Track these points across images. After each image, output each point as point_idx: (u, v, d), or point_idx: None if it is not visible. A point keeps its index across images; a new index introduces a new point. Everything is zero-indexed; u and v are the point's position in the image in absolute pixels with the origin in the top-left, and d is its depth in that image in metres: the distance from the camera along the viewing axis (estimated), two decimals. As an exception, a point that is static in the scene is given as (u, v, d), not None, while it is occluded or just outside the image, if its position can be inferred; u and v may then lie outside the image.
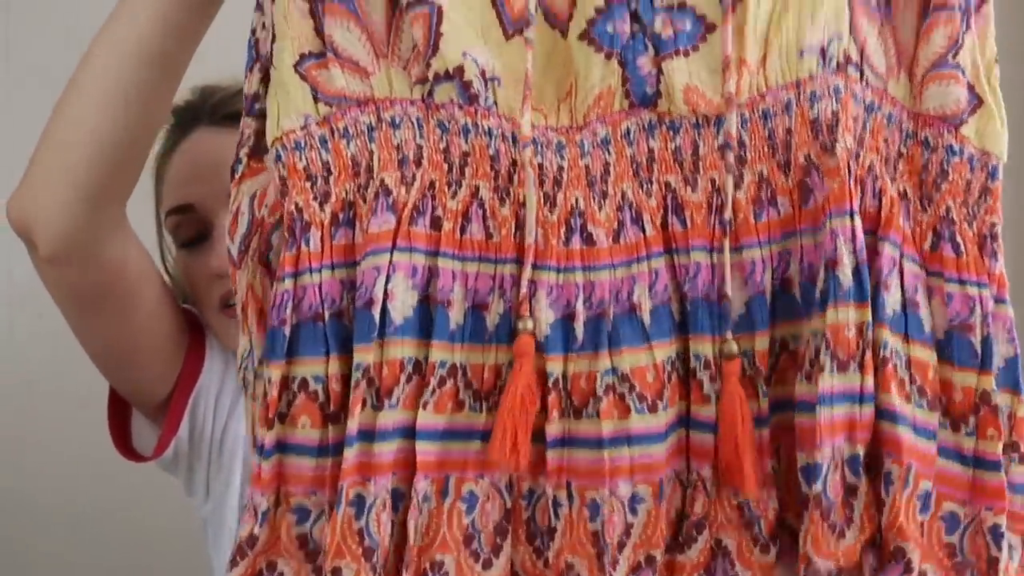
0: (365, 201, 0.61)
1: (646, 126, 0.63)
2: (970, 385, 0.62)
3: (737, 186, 0.62)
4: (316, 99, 0.61)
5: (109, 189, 0.80)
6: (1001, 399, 0.62)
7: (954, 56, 0.64)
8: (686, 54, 0.62)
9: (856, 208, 0.60)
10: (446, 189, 0.62)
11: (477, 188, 0.62)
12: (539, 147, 0.62)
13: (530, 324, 0.60)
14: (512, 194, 0.62)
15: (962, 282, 0.63)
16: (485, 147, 0.62)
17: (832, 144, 0.61)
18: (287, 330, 0.60)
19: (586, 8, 0.61)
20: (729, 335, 0.61)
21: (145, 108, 0.79)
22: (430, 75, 0.61)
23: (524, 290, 0.61)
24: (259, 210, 0.64)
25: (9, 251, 1.60)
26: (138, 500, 1.55)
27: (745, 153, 0.62)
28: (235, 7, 0.76)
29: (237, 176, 0.65)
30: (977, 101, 0.64)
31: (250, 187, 0.64)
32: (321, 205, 0.61)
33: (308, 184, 0.61)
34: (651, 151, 0.63)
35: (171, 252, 1.06)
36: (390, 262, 0.60)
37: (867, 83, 0.64)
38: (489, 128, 0.62)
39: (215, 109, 1.03)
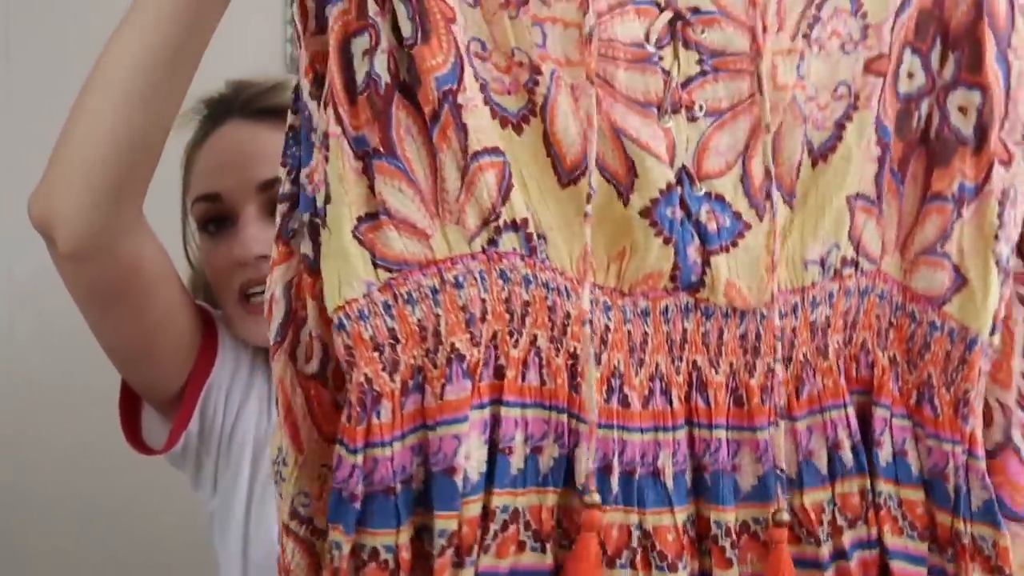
0: (436, 366, 0.60)
1: (683, 308, 0.67)
2: (946, 523, 0.70)
3: (751, 374, 0.68)
4: (376, 264, 0.60)
5: (127, 186, 0.82)
6: (986, 531, 0.70)
7: (942, 245, 0.70)
8: (727, 250, 0.67)
9: (848, 400, 0.69)
10: (508, 338, 0.62)
11: (535, 337, 0.62)
12: (589, 305, 0.63)
13: (596, 498, 0.61)
14: (565, 345, 0.63)
15: (938, 438, 0.70)
16: (544, 298, 0.63)
17: (825, 348, 0.70)
18: (358, 504, 0.59)
19: (650, 187, 0.64)
20: (783, 503, 0.66)
21: (160, 106, 0.80)
22: (499, 224, 0.61)
23: (591, 466, 0.62)
24: (295, 301, 0.63)
25: (9, 250, 1.61)
26: (138, 495, 1.55)
27: (760, 346, 0.68)
28: (239, 4, 0.76)
29: (270, 262, 0.64)
30: (962, 281, 0.70)
31: (284, 274, 0.63)
32: (391, 375, 0.60)
33: (375, 354, 0.59)
34: (684, 331, 0.67)
35: (195, 240, 1.09)
36: (469, 428, 0.60)
37: (862, 271, 0.71)
38: (546, 281, 0.63)
39: (247, 103, 1.05)
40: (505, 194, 0.61)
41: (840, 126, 0.69)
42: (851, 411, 0.69)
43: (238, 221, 1.00)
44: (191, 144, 1.07)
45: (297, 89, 0.63)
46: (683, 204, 0.65)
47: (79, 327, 1.53)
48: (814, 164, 0.69)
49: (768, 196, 0.67)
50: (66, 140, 0.81)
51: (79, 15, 1.59)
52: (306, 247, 0.62)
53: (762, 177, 0.67)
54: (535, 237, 0.62)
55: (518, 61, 0.63)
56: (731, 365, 0.67)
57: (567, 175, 0.63)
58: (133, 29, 0.78)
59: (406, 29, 0.60)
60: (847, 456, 0.69)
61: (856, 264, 0.70)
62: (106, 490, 1.57)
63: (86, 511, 1.58)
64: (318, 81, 0.62)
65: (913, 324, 0.71)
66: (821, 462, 0.68)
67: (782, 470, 0.67)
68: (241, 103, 1.05)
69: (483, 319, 0.61)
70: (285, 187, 0.64)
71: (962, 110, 0.69)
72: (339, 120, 0.60)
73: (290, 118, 0.64)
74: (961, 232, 0.70)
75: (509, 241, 0.62)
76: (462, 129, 0.60)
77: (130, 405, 1.01)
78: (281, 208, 0.64)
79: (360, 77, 0.60)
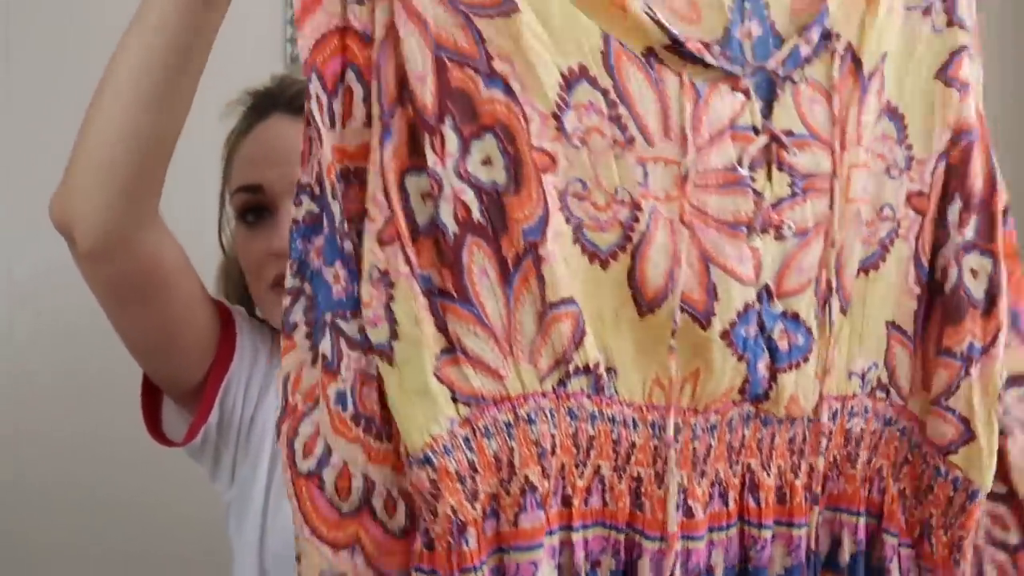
0: (508, 494, 0.63)
1: (745, 416, 0.70)
2: None
3: (795, 474, 0.72)
4: (455, 400, 0.62)
5: (140, 186, 0.82)
6: None
7: (946, 399, 0.73)
8: (797, 367, 0.70)
9: (863, 510, 0.74)
10: (575, 470, 0.65)
11: (599, 467, 0.66)
12: (655, 430, 0.67)
13: None
14: (628, 471, 0.67)
15: (933, 574, 0.75)
16: (608, 432, 0.66)
17: (855, 457, 0.74)
18: None
19: (729, 310, 0.67)
20: None
21: (168, 108, 0.80)
22: (570, 369, 0.64)
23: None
24: (292, 395, 0.63)
25: (9, 250, 1.60)
26: (135, 490, 1.54)
27: (805, 448, 0.72)
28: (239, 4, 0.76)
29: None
30: (971, 435, 0.73)
31: (284, 367, 0.64)
32: (472, 504, 0.62)
33: (459, 486, 0.61)
34: (743, 438, 0.70)
35: (229, 227, 1.10)
36: (543, 554, 0.63)
37: (891, 402, 0.75)
38: (612, 415, 0.66)
39: (292, 99, 1.05)
40: (578, 341, 0.64)
41: (885, 247, 0.73)
42: (863, 522, 0.74)
43: (277, 214, 1.01)
44: (234, 134, 1.08)
45: (310, 186, 0.63)
46: (759, 320, 0.68)
47: (77, 326, 1.52)
48: (856, 274, 0.72)
49: (828, 306, 0.70)
50: (80, 142, 0.82)
51: (79, 15, 1.58)
52: (325, 347, 0.62)
53: (825, 289, 0.71)
54: (604, 377, 0.65)
55: (619, 199, 0.65)
56: (779, 467, 0.71)
57: (647, 305, 0.65)
58: (138, 33, 0.78)
59: (499, 177, 0.62)
60: (844, 558, 0.73)
61: (887, 392, 0.75)
62: (105, 486, 1.57)
63: (85, 506, 1.58)
64: (343, 177, 0.62)
65: (924, 464, 0.75)
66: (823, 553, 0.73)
67: (815, 551, 0.72)
68: (287, 99, 1.05)
69: (553, 452, 0.64)
70: (288, 282, 0.64)
71: (974, 273, 0.73)
72: (407, 261, 0.61)
73: (294, 211, 0.64)
74: (970, 389, 0.73)
75: (578, 383, 0.64)
76: (541, 279, 0.62)
77: (151, 398, 1.01)
78: (285, 302, 0.64)
79: (422, 219, 0.61)
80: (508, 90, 0.62)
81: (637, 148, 0.65)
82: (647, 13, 0.64)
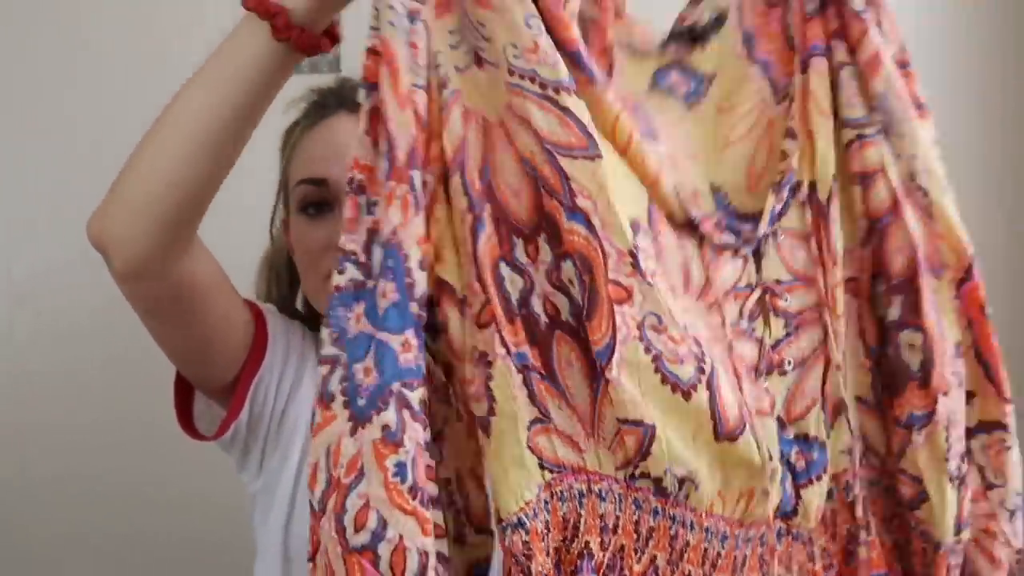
0: (568, 552, 0.68)
1: (776, 532, 0.76)
2: None
3: (812, 560, 0.78)
4: (542, 467, 0.67)
5: (181, 220, 0.83)
6: None
7: (899, 462, 0.79)
8: (819, 479, 0.77)
9: (888, 572, 0.80)
10: (633, 554, 0.70)
11: (655, 557, 0.70)
12: (709, 535, 0.72)
13: None
14: (680, 567, 0.71)
15: None
16: (667, 528, 0.71)
17: (868, 524, 0.80)
18: None
19: (773, 442, 0.74)
20: None
21: (227, 154, 0.82)
22: (637, 472, 0.69)
23: None
24: (335, 469, 0.63)
25: (8, 250, 1.60)
26: (135, 485, 1.55)
27: (812, 532, 0.78)
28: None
29: (313, 426, 0.64)
30: (925, 496, 0.79)
31: (324, 439, 0.63)
32: (547, 558, 0.67)
33: (543, 544, 0.66)
34: (774, 550, 0.76)
35: (279, 216, 1.13)
36: None
37: (871, 465, 0.81)
38: (674, 515, 0.71)
39: (355, 100, 1.08)
40: (644, 454, 0.68)
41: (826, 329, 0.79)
42: None
43: (337, 208, 1.02)
44: (299, 128, 1.09)
45: (355, 253, 0.65)
46: (779, 446, 0.75)
47: (78, 326, 1.53)
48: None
49: (837, 415, 0.78)
50: (129, 170, 0.82)
51: (80, 19, 1.58)
52: (388, 417, 0.62)
53: (834, 403, 0.78)
54: (670, 487, 0.69)
55: (690, 334, 0.69)
56: (799, 565, 0.78)
57: (726, 435, 0.70)
58: (213, 81, 0.79)
59: (578, 300, 0.67)
60: None
61: (868, 458, 0.80)
62: (105, 483, 1.58)
63: (86, 502, 1.58)
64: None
65: (903, 520, 0.81)
66: None
67: None
68: (351, 99, 1.07)
69: (615, 531, 0.69)
70: (326, 350, 0.64)
71: (912, 347, 0.77)
72: (503, 343, 0.66)
73: (336, 278, 0.65)
74: (916, 453, 0.78)
75: (644, 483, 0.69)
76: (610, 400, 0.67)
77: (184, 395, 1.02)
78: (323, 370, 0.64)
79: (515, 300, 0.67)
80: (589, 225, 0.66)
81: (678, 297, 0.71)
82: (675, 191, 0.71)
